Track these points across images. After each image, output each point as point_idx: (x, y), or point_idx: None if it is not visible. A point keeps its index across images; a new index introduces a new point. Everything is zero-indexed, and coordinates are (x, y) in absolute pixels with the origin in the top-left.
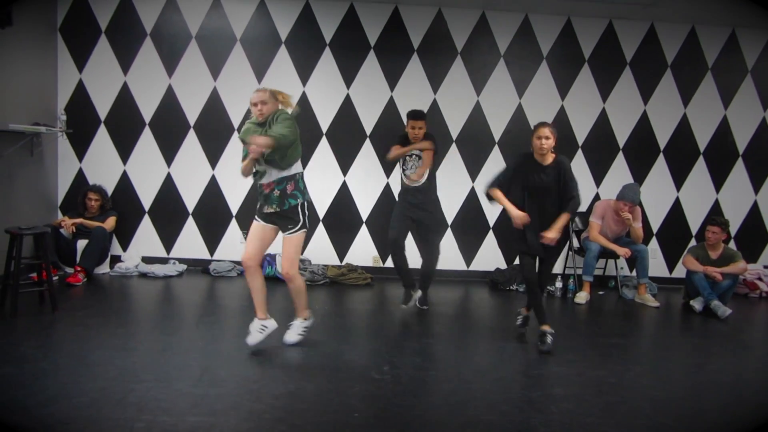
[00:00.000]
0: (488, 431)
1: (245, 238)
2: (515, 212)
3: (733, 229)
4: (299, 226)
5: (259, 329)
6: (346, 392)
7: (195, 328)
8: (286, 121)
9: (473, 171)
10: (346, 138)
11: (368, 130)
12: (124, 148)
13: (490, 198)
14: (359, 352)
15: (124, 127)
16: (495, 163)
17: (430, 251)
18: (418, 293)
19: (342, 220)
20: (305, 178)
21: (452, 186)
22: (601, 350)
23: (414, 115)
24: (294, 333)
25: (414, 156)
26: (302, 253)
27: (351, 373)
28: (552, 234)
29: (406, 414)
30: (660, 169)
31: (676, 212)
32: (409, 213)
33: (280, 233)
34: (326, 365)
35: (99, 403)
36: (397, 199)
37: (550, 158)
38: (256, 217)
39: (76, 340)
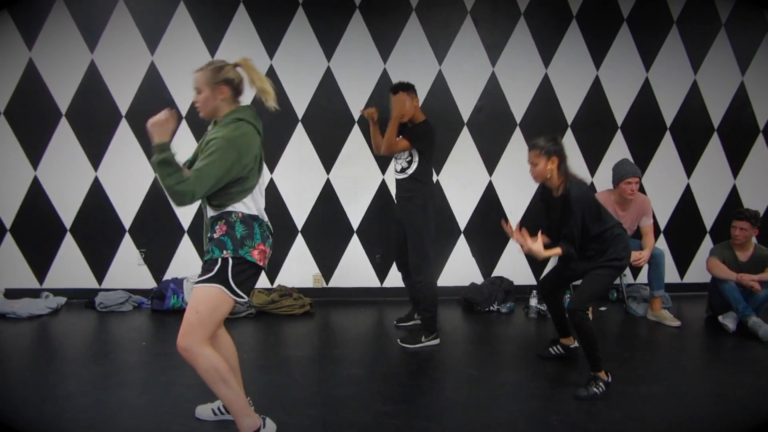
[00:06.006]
0: None
1: (143, 260)
2: None
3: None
4: (214, 277)
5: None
6: None
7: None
8: (218, 144)
9: (438, 160)
10: (325, 129)
11: (355, 112)
12: None
13: None
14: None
15: None
16: (464, 149)
17: (413, 266)
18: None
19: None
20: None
21: None
22: (618, 401)
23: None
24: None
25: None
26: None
27: None
28: None
29: None
30: (666, 150)
31: (687, 203)
32: (396, 216)
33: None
34: None
35: None
36: None
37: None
38: None
39: None
